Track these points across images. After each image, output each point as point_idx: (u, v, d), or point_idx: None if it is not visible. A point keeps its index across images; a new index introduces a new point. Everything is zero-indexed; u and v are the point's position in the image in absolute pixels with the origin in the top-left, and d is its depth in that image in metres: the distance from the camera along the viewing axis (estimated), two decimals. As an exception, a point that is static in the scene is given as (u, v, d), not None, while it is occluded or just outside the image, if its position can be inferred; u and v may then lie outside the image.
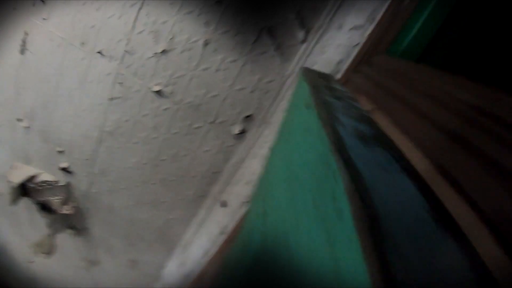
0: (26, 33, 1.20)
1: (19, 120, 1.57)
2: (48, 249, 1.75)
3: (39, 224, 1.78)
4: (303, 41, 1.05)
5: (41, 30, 1.20)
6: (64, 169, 1.55)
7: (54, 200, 1.60)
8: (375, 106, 0.55)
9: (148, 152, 1.44)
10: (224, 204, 1.36)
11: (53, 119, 1.50)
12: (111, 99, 1.33)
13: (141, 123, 1.38)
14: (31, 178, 1.58)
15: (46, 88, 1.42)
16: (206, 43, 1.17)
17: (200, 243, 1.40)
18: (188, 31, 1.16)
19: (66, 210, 1.64)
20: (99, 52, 1.23)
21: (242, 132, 1.29)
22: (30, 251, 1.76)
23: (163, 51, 1.21)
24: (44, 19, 1.17)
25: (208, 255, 1.37)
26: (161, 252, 1.67)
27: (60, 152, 1.53)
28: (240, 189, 1.27)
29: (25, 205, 1.92)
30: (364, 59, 0.88)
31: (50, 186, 1.59)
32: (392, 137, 0.28)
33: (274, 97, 1.18)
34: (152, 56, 1.22)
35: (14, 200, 1.63)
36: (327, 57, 1.04)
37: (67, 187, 1.60)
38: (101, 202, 1.62)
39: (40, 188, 1.59)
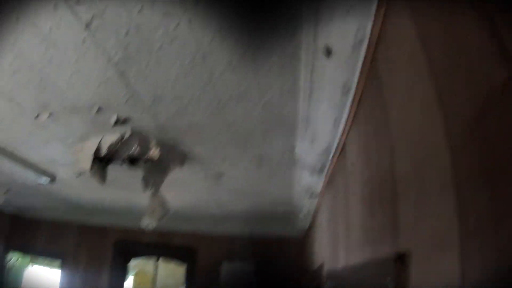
0: None
1: (37, 117, 2.22)
2: (161, 211, 2.77)
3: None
4: None
5: None
6: (118, 122, 2.18)
7: (135, 152, 2.40)
8: None
9: (183, 47, 1.77)
10: (327, 52, 1.64)
11: (62, 91, 2.00)
12: (87, 26, 1.60)
13: (143, 23, 1.65)
14: (98, 150, 2.39)
15: (31, 74, 1.89)
16: None
17: (323, 111, 1.85)
18: None
19: (152, 155, 2.44)
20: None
21: None
22: (147, 222, 2.85)
23: None
24: None
25: (340, 123, 1.83)
26: (281, 137, 2.29)
27: (98, 110, 2.11)
28: (341, 23, 1.46)
29: (118, 168, 2.96)
30: None
31: (120, 143, 2.35)
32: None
33: None
34: None
35: (101, 179, 2.57)
36: None
37: (135, 134, 2.30)
38: (179, 126, 2.25)
39: (114, 151, 2.39)
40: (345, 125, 1.81)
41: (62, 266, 6.17)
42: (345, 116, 1.76)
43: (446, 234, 0.69)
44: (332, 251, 2.30)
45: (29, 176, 3.60)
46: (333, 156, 2.22)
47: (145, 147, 2.38)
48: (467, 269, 0.61)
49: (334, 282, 2.04)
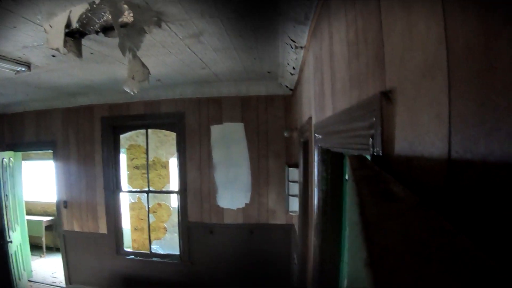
0: None
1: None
2: (141, 75, 2.71)
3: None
4: None
5: None
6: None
7: (107, 20, 2.25)
8: None
9: None
10: None
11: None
12: None
13: None
14: (69, 24, 2.24)
15: None
16: None
17: None
18: None
19: (125, 19, 2.30)
20: None
21: None
22: (129, 88, 2.81)
23: None
24: None
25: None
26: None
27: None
28: None
29: (94, 41, 2.82)
30: None
31: (90, 12, 2.19)
32: None
33: None
34: None
35: (77, 53, 2.47)
36: None
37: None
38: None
39: (85, 21, 2.24)
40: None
41: (54, 155, 6.32)
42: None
43: (433, 63, 0.68)
44: (319, 102, 2.35)
45: (4, 69, 3.48)
46: (317, 4, 2.12)
47: (116, 12, 2.23)
48: (455, 96, 0.61)
49: (322, 134, 2.12)
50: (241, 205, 5.53)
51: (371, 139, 1.06)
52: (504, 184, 0.48)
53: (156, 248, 7.69)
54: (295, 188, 4.54)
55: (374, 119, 1.02)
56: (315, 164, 2.38)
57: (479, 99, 0.54)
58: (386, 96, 0.93)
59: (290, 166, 4.85)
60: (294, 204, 4.55)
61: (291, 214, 4.90)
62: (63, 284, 6.44)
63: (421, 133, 0.74)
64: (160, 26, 2.63)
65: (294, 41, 3.04)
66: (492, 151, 0.51)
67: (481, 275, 0.31)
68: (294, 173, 4.63)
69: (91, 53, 3.36)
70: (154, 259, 5.98)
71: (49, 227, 8.70)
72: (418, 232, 0.41)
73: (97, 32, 2.51)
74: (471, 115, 0.56)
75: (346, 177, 2.00)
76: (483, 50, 0.52)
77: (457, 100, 0.60)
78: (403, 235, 0.39)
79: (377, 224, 0.42)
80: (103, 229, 6.04)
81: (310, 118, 2.76)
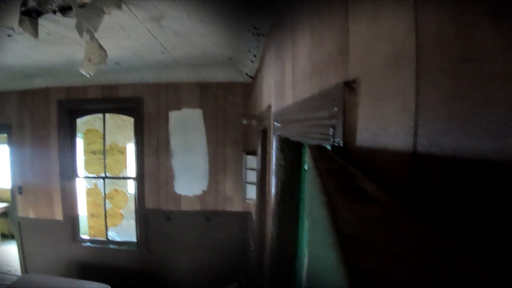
0: None
1: None
2: (98, 57, 2.56)
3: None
4: None
5: None
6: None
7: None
8: None
9: None
10: None
11: None
12: None
13: None
14: (25, 2, 2.05)
15: None
16: None
17: None
18: None
19: (83, -1, 2.14)
20: None
21: None
22: (85, 70, 2.66)
23: None
24: None
25: None
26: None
27: None
28: None
29: (51, 21, 2.63)
30: None
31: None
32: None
33: None
34: None
35: (33, 32, 2.28)
36: None
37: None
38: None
39: (43, 1, 2.07)
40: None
41: (9, 139, 5.94)
42: None
43: (400, 52, 0.64)
44: (279, 90, 2.30)
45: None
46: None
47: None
48: (423, 87, 0.57)
49: (281, 123, 2.08)
50: (198, 192, 5.45)
51: (331, 129, 1.03)
52: (475, 183, 0.44)
53: (113, 235, 7.48)
54: (252, 176, 4.51)
55: (336, 108, 0.98)
56: (274, 152, 2.34)
57: (450, 91, 0.50)
58: (349, 85, 0.89)
59: (248, 154, 4.81)
60: (251, 192, 4.53)
61: (248, 201, 4.88)
62: (18, 272, 6.12)
63: (385, 124, 0.71)
64: (120, 8, 2.48)
65: (256, 28, 2.97)
66: (463, 147, 0.47)
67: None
68: (252, 161, 4.60)
69: (48, 34, 3.14)
70: (111, 246, 5.80)
71: (4, 214, 8.25)
72: (414, 251, 0.31)
73: (54, 12, 2.35)
74: (440, 108, 0.52)
75: (306, 167, 1.97)
76: (456, 41, 0.48)
77: (426, 92, 0.56)
78: (394, 256, 0.29)
79: (356, 238, 0.32)
80: (59, 215, 5.77)
81: (270, 106, 2.71)
